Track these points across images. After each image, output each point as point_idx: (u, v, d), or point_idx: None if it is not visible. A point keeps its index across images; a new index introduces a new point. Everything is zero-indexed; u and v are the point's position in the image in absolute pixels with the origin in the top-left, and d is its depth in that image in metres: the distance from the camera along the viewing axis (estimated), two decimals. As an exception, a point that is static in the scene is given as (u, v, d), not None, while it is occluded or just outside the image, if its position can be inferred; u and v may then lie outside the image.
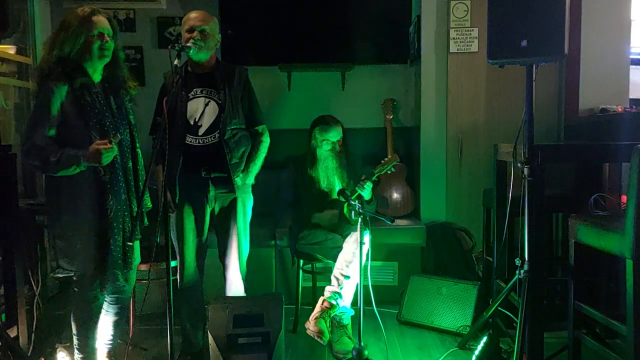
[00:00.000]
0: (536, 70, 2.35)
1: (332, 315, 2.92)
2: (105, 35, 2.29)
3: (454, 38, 3.76)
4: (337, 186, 3.21)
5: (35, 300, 2.89)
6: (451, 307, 3.25)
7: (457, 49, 3.77)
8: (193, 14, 2.70)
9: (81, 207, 2.28)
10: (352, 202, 2.69)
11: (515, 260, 2.42)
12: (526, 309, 2.34)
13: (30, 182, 3.71)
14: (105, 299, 2.50)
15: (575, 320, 2.48)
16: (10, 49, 3.64)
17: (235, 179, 2.70)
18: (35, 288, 2.93)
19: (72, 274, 2.40)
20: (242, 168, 2.75)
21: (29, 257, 2.92)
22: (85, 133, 2.24)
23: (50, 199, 2.36)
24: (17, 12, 3.71)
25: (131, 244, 2.38)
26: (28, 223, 3.08)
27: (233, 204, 2.79)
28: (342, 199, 2.88)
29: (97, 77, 2.36)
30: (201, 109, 2.69)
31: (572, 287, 2.47)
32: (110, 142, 2.20)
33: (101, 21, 2.30)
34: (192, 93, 2.70)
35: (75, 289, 2.41)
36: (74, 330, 2.44)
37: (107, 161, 2.21)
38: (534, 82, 2.35)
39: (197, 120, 2.68)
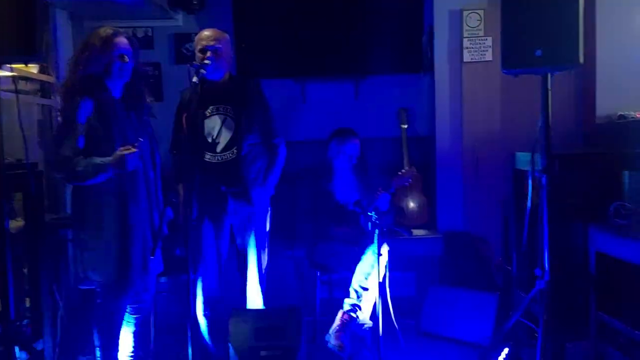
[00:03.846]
0: (551, 79, 2.35)
1: (352, 328, 2.92)
2: (125, 56, 2.38)
3: (467, 47, 3.77)
4: (354, 198, 3.22)
5: (60, 313, 2.94)
6: (471, 318, 3.23)
7: (471, 58, 3.77)
8: (205, 33, 2.74)
9: (105, 217, 2.35)
10: (369, 214, 2.71)
11: (535, 270, 2.41)
12: (547, 319, 2.33)
13: (53, 197, 3.79)
14: (127, 309, 2.54)
15: (597, 332, 2.45)
16: (33, 68, 3.73)
17: (253, 194, 2.74)
18: (59, 300, 2.98)
19: (96, 286, 2.45)
20: (259, 183, 2.80)
21: (54, 270, 2.98)
22: (109, 145, 2.33)
23: (75, 211, 2.44)
24: (39, 31, 3.80)
25: (153, 257, 2.42)
26: (52, 237, 3.14)
27: (252, 217, 2.82)
28: (359, 211, 2.89)
29: (117, 93, 2.46)
30: (218, 127, 2.74)
31: (594, 297, 2.45)
32: (134, 147, 2.28)
33: (122, 42, 2.39)
34: (209, 110, 2.75)
35: (99, 301, 2.46)
36: (98, 342, 2.48)
37: (132, 167, 2.29)
38: (549, 91, 2.35)
39: (214, 137, 2.73)
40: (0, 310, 2.07)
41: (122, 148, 2.29)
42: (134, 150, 2.27)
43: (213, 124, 2.75)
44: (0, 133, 2.01)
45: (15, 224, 2.56)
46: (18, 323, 2.08)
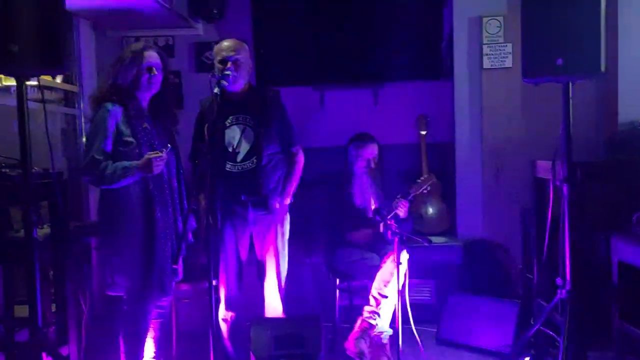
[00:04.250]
0: (572, 87, 2.34)
1: (371, 336, 2.93)
2: (154, 69, 2.46)
3: (487, 54, 3.76)
4: (373, 204, 3.23)
5: (84, 319, 2.99)
6: (491, 326, 3.21)
7: (491, 65, 3.76)
8: (225, 44, 2.77)
9: (132, 224, 2.42)
10: (388, 222, 2.71)
11: (557, 279, 2.39)
12: (569, 329, 2.31)
13: (77, 204, 3.86)
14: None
15: (621, 342, 2.42)
16: (57, 77, 3.82)
17: (273, 203, 2.77)
18: (84, 307, 3.04)
19: (123, 292, 2.51)
20: (279, 191, 2.83)
21: (78, 277, 3.04)
22: (136, 151, 2.40)
23: (103, 217, 2.52)
24: (65, 44, 3.89)
25: (176, 266, 2.46)
26: (77, 244, 3.21)
27: (272, 225, 2.85)
28: (378, 219, 2.90)
29: (146, 103, 2.55)
30: (238, 137, 2.77)
31: (617, 307, 2.42)
32: (161, 152, 2.35)
33: (152, 56, 2.48)
34: (229, 121, 2.78)
35: (126, 307, 2.52)
36: (124, 348, 2.52)
37: (157, 171, 2.35)
38: (570, 100, 2.34)
39: (235, 147, 2.77)
40: (27, 316, 2.12)
41: (150, 153, 2.37)
42: (161, 154, 2.34)
43: (233, 134, 2.79)
44: (28, 144, 2.06)
45: (42, 231, 2.63)
46: (45, 330, 2.12)
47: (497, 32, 3.74)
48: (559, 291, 2.40)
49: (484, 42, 3.75)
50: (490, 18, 3.74)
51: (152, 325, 2.61)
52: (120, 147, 2.40)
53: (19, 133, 2.04)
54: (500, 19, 3.74)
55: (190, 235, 2.62)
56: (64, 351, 2.68)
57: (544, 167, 2.86)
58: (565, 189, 2.35)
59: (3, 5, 1.90)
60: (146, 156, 2.35)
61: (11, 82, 3.03)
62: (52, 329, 2.70)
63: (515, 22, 3.60)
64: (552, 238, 2.78)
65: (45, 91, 2.38)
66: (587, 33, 2.21)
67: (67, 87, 3.95)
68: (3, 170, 2.35)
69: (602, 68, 2.18)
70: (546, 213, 2.59)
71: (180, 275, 2.64)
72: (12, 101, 3.16)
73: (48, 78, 3.67)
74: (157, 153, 2.35)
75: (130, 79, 2.43)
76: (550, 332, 2.74)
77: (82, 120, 3.98)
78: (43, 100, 2.27)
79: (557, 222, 2.41)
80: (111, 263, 2.46)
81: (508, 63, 3.74)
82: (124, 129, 2.41)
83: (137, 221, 2.42)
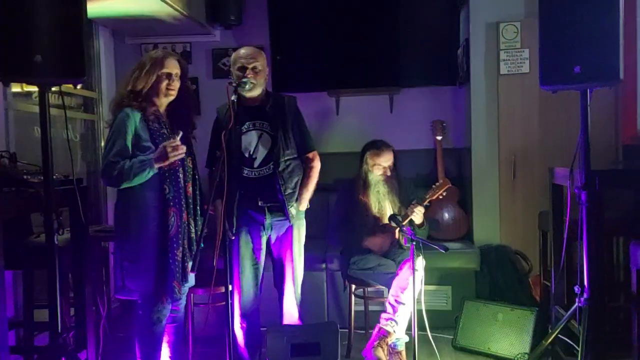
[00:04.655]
0: (590, 94, 2.31)
1: (388, 343, 2.93)
2: (173, 75, 2.50)
3: (504, 60, 3.74)
4: (388, 211, 3.22)
5: (102, 323, 3.03)
6: (508, 333, 3.18)
7: (508, 71, 3.75)
8: (243, 52, 2.79)
9: (146, 228, 2.45)
10: (404, 228, 2.71)
11: (575, 288, 2.37)
12: (587, 337, 2.28)
13: (95, 210, 3.92)
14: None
15: (640, 351, 2.39)
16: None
17: (290, 209, 2.79)
18: (102, 311, 3.07)
19: (136, 297, 2.53)
20: (295, 197, 2.84)
21: (96, 281, 3.08)
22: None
23: (118, 223, 2.56)
24: (86, 53, 3.96)
25: (194, 273, 2.48)
26: (95, 248, 3.25)
27: (288, 231, 2.87)
28: (394, 224, 2.90)
29: (164, 109, 2.58)
30: (255, 142, 2.80)
31: (636, 315, 2.39)
32: (174, 139, 2.38)
33: (171, 63, 2.52)
34: (245, 127, 2.81)
35: (140, 312, 2.54)
36: (139, 353, 2.55)
37: (173, 158, 2.38)
38: (588, 107, 2.31)
39: (251, 153, 2.79)
40: (47, 320, 2.16)
41: (165, 142, 2.40)
42: (175, 142, 2.37)
43: (250, 140, 2.81)
44: (50, 152, 2.10)
45: (61, 237, 2.67)
46: (65, 335, 2.15)
47: (514, 38, 3.72)
48: (577, 299, 2.37)
49: (501, 47, 3.74)
50: (507, 24, 3.73)
51: (166, 330, 2.63)
52: (139, 152, 2.44)
53: (41, 141, 2.07)
54: (518, 24, 3.72)
55: (201, 241, 2.63)
56: (82, 355, 2.71)
57: (561, 174, 2.83)
58: (583, 196, 2.32)
59: (27, 16, 1.94)
60: (161, 145, 2.39)
61: (32, 87, 3.10)
62: (72, 334, 2.73)
63: (532, 28, 3.58)
64: (569, 245, 2.76)
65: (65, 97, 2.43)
66: (605, 40, 2.19)
67: (87, 93, 4.02)
68: (25, 177, 2.39)
69: (621, 75, 2.16)
70: (564, 219, 2.56)
71: (192, 282, 2.66)
72: (33, 107, 3.24)
73: (68, 85, 3.73)
74: (171, 142, 2.38)
75: (149, 85, 2.47)
76: (569, 340, 2.71)
77: (101, 125, 4.05)
78: (64, 107, 2.31)
79: (575, 229, 2.39)
80: (123, 267, 2.49)
81: (525, 69, 3.72)
82: (142, 133, 2.45)
83: (150, 226, 2.45)
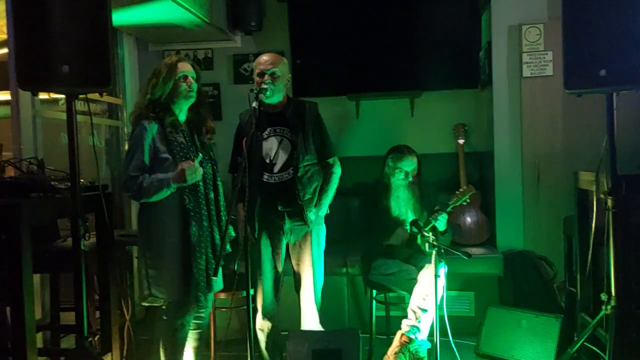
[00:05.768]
0: (616, 97, 2.28)
1: (410, 349, 2.91)
2: (189, 77, 2.53)
3: (527, 62, 3.70)
4: (410, 217, 3.20)
5: (126, 327, 3.07)
6: (532, 340, 3.14)
7: (531, 73, 3.70)
8: (264, 58, 2.81)
9: (168, 236, 2.48)
10: (426, 234, 2.69)
11: (601, 295, 2.32)
12: (614, 345, 2.25)
13: (119, 215, 3.98)
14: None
15: (670, 360, 2.34)
16: (102, 91, 3.95)
17: (309, 214, 2.80)
18: (126, 315, 3.12)
19: (162, 303, 2.56)
20: (314, 203, 2.84)
21: (121, 285, 3.13)
22: (173, 166, 2.45)
23: (141, 231, 2.59)
24: (112, 62, 4.04)
25: (215, 277, 2.50)
26: (120, 253, 3.31)
27: (307, 236, 2.87)
28: (415, 230, 2.88)
29: (182, 117, 2.60)
30: (275, 148, 2.81)
31: (665, 324, 2.34)
32: (193, 161, 2.41)
33: (185, 66, 2.55)
34: (266, 133, 2.83)
35: (165, 317, 2.57)
36: (162, 358, 2.58)
37: (191, 180, 2.41)
38: (614, 111, 2.28)
39: (272, 158, 2.81)
40: (73, 323, 2.20)
41: (182, 163, 2.42)
42: (192, 164, 2.40)
43: (270, 145, 2.83)
44: (77, 159, 2.14)
45: (87, 242, 2.72)
46: (90, 339, 2.20)
47: (537, 40, 3.68)
48: (604, 306, 2.33)
49: (524, 50, 3.70)
50: (530, 26, 3.69)
51: (190, 336, 2.66)
52: (157, 164, 2.47)
53: (69, 149, 2.12)
54: (541, 26, 3.67)
55: (227, 246, 2.66)
56: (107, 359, 2.76)
57: (586, 179, 2.78)
58: (609, 202, 2.28)
59: (54, 27, 1.99)
60: (179, 166, 2.41)
61: (59, 95, 3.16)
62: (97, 337, 2.78)
63: (555, 30, 3.52)
64: (595, 250, 2.71)
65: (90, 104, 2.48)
66: (631, 42, 2.15)
67: (111, 99, 4.09)
68: (52, 182, 2.44)
69: (648, 78, 2.12)
70: (589, 225, 2.52)
71: (221, 286, 2.69)
72: (59, 114, 3.31)
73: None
74: (189, 162, 2.41)
75: (167, 90, 2.49)
76: (595, 349, 2.66)
77: (126, 131, 4.12)
78: (90, 114, 2.36)
79: (601, 235, 2.34)
80: (148, 276, 2.52)
81: (548, 71, 3.67)
82: (160, 145, 2.47)
83: (173, 235, 2.47)
